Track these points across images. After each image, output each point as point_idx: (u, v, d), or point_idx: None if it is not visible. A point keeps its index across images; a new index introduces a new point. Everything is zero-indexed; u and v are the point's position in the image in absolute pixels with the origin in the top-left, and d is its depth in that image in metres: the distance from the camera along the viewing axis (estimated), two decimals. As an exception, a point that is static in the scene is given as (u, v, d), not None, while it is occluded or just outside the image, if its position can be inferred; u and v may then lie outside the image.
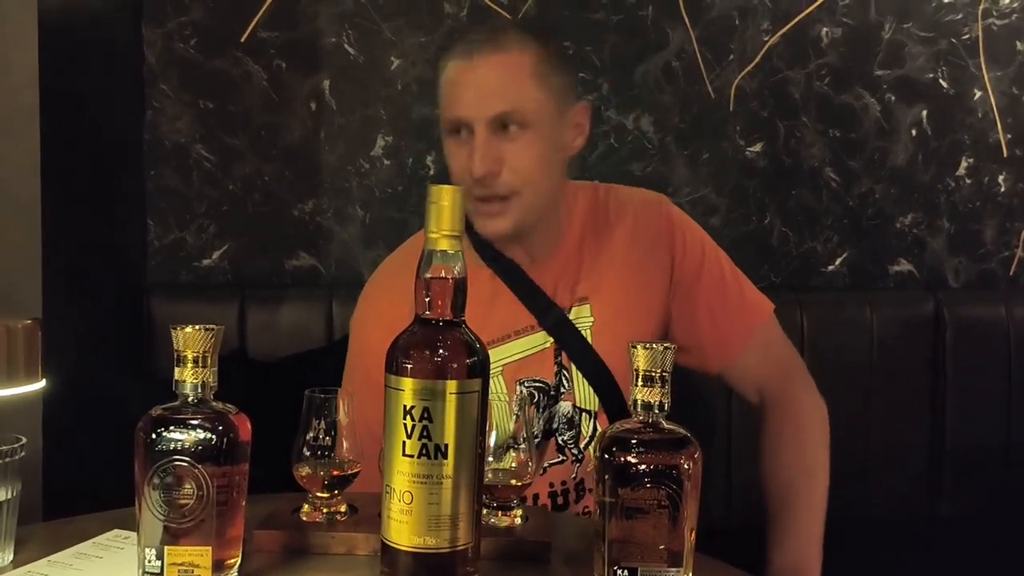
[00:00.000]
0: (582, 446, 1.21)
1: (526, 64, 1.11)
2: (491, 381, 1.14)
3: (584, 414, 1.21)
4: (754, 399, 1.28)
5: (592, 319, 1.20)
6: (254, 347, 1.66)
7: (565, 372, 1.19)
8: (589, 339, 1.19)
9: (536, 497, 1.19)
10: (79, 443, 1.33)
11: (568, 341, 1.18)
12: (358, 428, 0.93)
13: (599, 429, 1.19)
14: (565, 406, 1.20)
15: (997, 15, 2.02)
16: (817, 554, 1.14)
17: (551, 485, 1.21)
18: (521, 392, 1.17)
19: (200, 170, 1.80)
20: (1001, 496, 1.87)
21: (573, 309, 1.20)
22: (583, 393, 1.20)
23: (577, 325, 1.19)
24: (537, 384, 1.19)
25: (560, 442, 1.21)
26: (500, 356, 1.18)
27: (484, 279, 1.18)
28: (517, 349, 1.18)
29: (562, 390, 1.20)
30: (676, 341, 1.24)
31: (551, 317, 1.18)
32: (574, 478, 1.22)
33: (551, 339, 1.18)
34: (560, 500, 1.22)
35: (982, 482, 1.88)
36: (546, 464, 1.21)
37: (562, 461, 1.21)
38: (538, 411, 1.18)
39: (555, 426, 1.20)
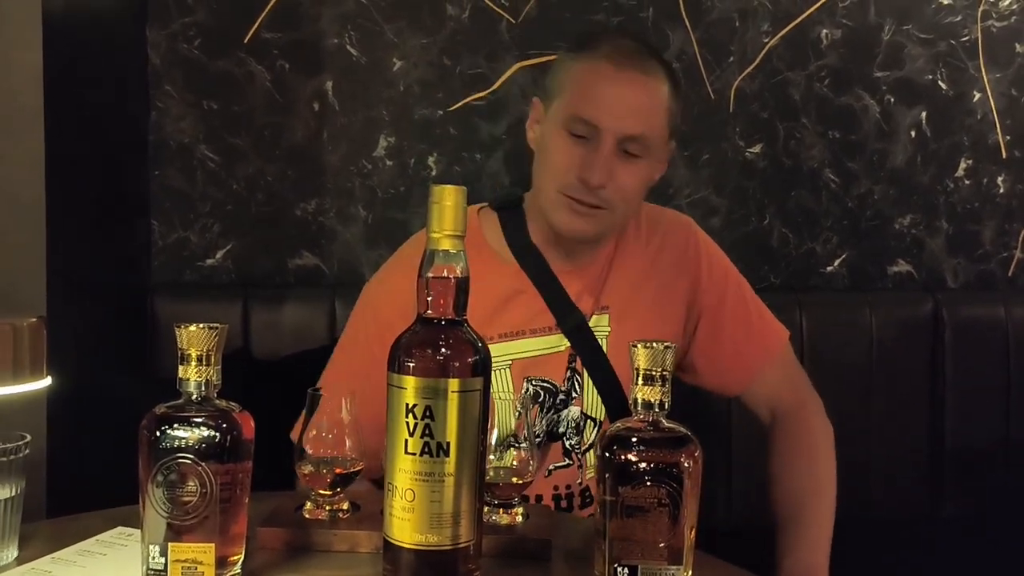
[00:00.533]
0: (583, 449, 1.22)
1: (664, 95, 1.15)
2: (499, 374, 1.16)
3: (590, 421, 1.22)
4: (766, 418, 1.30)
5: (609, 329, 1.21)
6: (257, 346, 1.67)
7: (578, 378, 1.20)
8: (604, 348, 1.20)
9: (540, 498, 1.20)
10: (83, 441, 1.34)
11: (584, 347, 1.18)
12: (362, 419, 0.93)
13: None
14: (574, 411, 1.21)
15: (996, 17, 2.02)
16: (825, 563, 1.16)
17: (555, 488, 1.22)
18: (526, 390, 1.18)
19: (204, 170, 1.81)
20: (1001, 496, 1.88)
21: (593, 317, 1.21)
22: (592, 400, 1.21)
23: (595, 333, 1.20)
24: (544, 384, 1.20)
25: (567, 446, 1.21)
26: (512, 351, 1.18)
27: (508, 275, 1.19)
28: (531, 347, 1.19)
29: (573, 395, 1.21)
30: (697, 365, 1.27)
31: (571, 321, 1.19)
32: (579, 484, 1.23)
33: (567, 343, 1.19)
34: (564, 504, 1.22)
35: (982, 482, 1.88)
36: (551, 467, 1.21)
37: (568, 465, 1.22)
38: (542, 411, 1.19)
39: (563, 430, 1.21)
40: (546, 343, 1.19)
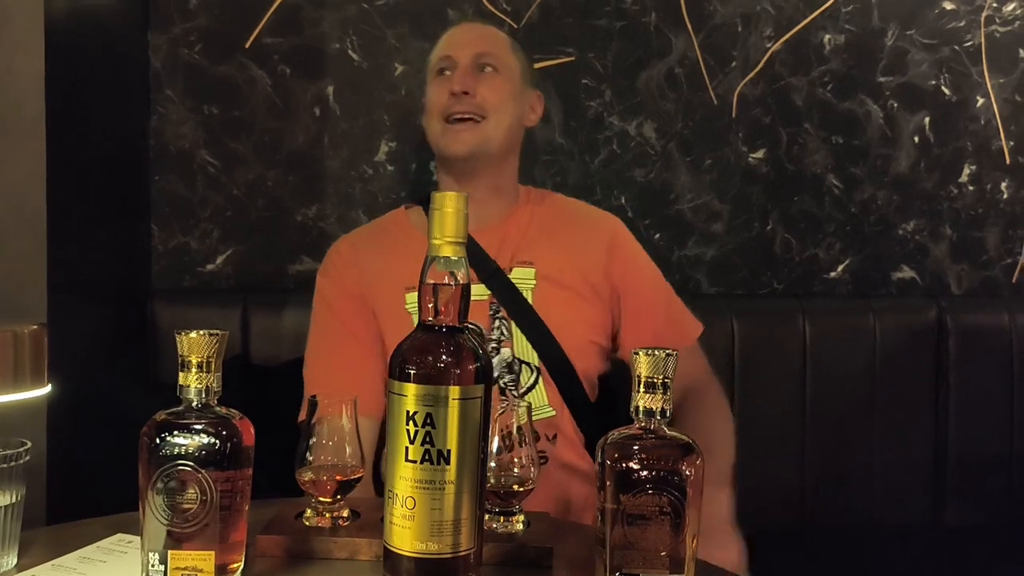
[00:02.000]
0: (520, 392, 1.31)
1: (504, 37, 1.44)
2: None
3: (524, 365, 1.31)
4: (677, 398, 1.33)
5: (534, 282, 1.33)
6: (257, 352, 1.66)
7: (504, 324, 1.31)
8: (529, 298, 1.31)
9: None
10: (83, 447, 1.33)
11: (505, 296, 1.31)
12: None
13: (541, 381, 1.30)
14: (505, 352, 1.31)
15: (1000, 22, 2.02)
16: (723, 513, 1.20)
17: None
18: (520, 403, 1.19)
19: (204, 175, 1.81)
20: (1005, 504, 1.87)
21: (515, 269, 1.33)
22: (523, 346, 1.31)
23: (518, 285, 1.32)
24: (471, 326, 1.25)
25: (501, 385, 1.30)
26: None
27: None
28: None
29: (502, 339, 1.32)
30: (624, 341, 1.38)
31: (487, 271, 1.31)
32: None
33: (488, 292, 1.31)
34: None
35: (985, 490, 1.87)
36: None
37: (504, 403, 1.26)
38: None
39: (496, 373, 1.30)
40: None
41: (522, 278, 1.33)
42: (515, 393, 1.30)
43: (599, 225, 1.42)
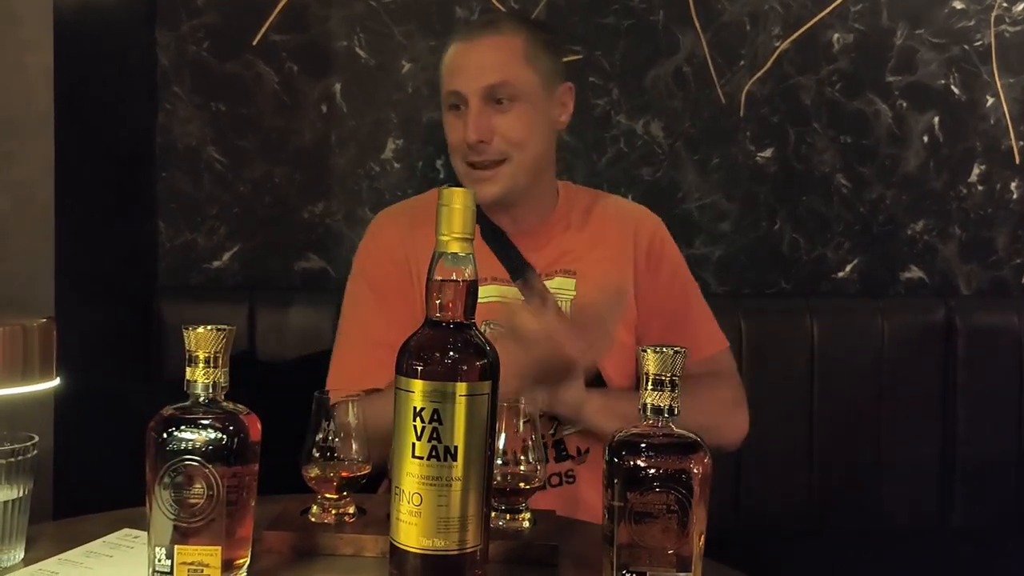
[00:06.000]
0: None
1: (518, 46, 1.26)
2: None
3: None
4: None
5: (575, 293, 1.29)
6: (264, 348, 1.67)
7: None
8: (566, 308, 1.27)
9: None
10: (90, 442, 1.34)
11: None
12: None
13: None
14: None
15: (1010, 21, 2.01)
16: (605, 417, 1.16)
17: None
18: (486, 329, 1.18)
19: (211, 172, 1.81)
20: (1013, 505, 1.86)
21: (557, 278, 1.29)
22: None
23: (557, 293, 1.27)
24: (502, 329, 1.22)
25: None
26: None
27: None
28: (487, 293, 1.26)
29: None
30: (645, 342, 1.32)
31: (523, 272, 1.27)
32: (553, 435, 1.26)
33: (522, 297, 1.26)
34: None
35: (994, 491, 1.86)
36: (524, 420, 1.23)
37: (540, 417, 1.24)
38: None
39: None
40: (501, 291, 1.27)
41: (562, 288, 1.28)
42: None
43: (640, 228, 1.36)
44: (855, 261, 2.00)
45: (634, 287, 1.32)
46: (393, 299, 1.26)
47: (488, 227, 1.29)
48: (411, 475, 0.73)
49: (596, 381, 1.27)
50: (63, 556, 0.86)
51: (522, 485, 0.93)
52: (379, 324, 1.24)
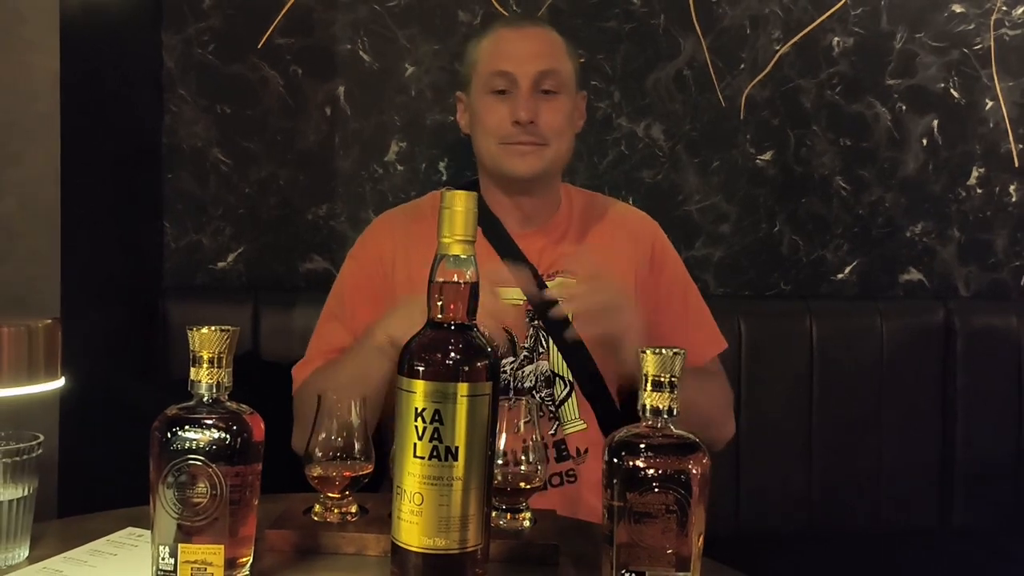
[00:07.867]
0: (555, 407, 1.28)
1: (560, 41, 1.33)
2: None
3: (559, 379, 1.29)
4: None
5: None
6: (268, 349, 1.67)
7: (543, 335, 1.28)
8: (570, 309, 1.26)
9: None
10: (95, 441, 1.35)
11: (542, 307, 1.26)
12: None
13: (574, 395, 1.28)
14: (543, 365, 1.28)
15: (1009, 25, 2.02)
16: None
17: None
18: (530, 399, 1.19)
19: (216, 174, 1.82)
20: (1012, 506, 1.86)
21: (558, 278, 1.29)
22: (558, 360, 1.28)
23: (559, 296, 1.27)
24: (504, 332, 1.26)
25: (538, 400, 1.27)
26: None
27: None
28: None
29: (540, 351, 1.28)
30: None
31: (526, 274, 1.28)
32: (553, 436, 1.27)
33: (524, 298, 1.28)
34: None
35: (993, 493, 1.86)
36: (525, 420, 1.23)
37: (540, 417, 1.24)
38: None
39: (530, 384, 1.27)
40: (505, 293, 1.26)
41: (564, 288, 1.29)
42: (552, 409, 1.28)
43: (640, 233, 1.39)
44: (854, 263, 2.01)
45: (635, 293, 1.32)
46: (361, 308, 1.28)
47: (492, 228, 1.31)
48: (412, 475, 0.74)
49: (596, 381, 1.28)
50: (68, 554, 0.87)
51: (523, 485, 0.94)
52: (339, 333, 1.30)
